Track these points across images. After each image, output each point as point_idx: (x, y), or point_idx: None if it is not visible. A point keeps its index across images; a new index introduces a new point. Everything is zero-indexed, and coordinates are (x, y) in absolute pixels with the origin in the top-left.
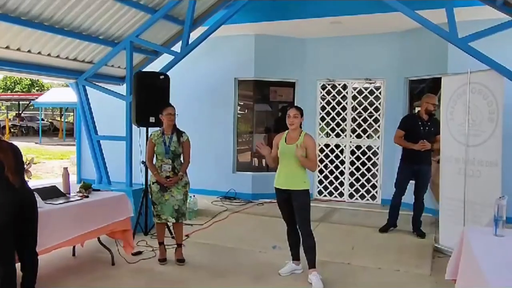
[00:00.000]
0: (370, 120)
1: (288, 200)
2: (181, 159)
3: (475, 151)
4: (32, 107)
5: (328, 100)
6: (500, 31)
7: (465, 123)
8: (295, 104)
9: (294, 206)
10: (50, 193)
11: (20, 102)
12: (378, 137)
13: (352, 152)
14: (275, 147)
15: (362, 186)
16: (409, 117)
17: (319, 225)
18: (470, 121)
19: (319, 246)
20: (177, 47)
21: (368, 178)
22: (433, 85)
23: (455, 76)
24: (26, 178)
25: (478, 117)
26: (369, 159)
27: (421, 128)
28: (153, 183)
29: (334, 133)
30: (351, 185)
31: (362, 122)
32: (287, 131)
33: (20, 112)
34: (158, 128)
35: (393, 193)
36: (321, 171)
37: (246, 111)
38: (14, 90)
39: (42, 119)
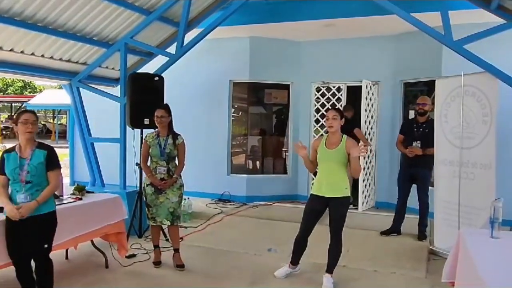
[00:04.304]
0: None
1: (322, 209)
2: (176, 161)
3: (469, 153)
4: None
5: (323, 102)
6: (494, 34)
7: (459, 126)
8: (290, 106)
9: (331, 213)
10: None
11: (13, 104)
12: (372, 139)
13: None
14: (313, 151)
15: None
16: (407, 120)
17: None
18: (464, 124)
19: (315, 249)
20: (172, 49)
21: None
22: (428, 88)
23: (449, 78)
24: None
25: (472, 120)
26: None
27: (415, 129)
28: (147, 185)
29: None
30: None
31: None
32: (326, 135)
33: (13, 114)
34: (153, 130)
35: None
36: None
37: (240, 113)
38: (6, 92)
39: None
